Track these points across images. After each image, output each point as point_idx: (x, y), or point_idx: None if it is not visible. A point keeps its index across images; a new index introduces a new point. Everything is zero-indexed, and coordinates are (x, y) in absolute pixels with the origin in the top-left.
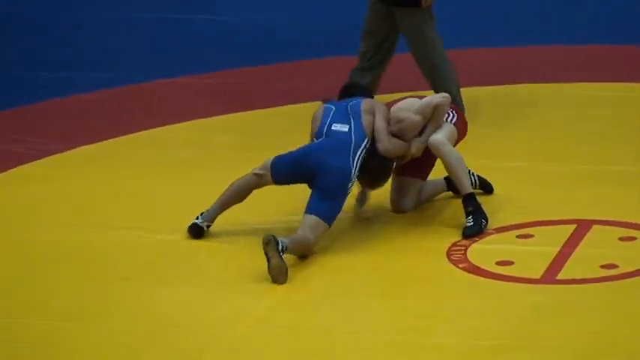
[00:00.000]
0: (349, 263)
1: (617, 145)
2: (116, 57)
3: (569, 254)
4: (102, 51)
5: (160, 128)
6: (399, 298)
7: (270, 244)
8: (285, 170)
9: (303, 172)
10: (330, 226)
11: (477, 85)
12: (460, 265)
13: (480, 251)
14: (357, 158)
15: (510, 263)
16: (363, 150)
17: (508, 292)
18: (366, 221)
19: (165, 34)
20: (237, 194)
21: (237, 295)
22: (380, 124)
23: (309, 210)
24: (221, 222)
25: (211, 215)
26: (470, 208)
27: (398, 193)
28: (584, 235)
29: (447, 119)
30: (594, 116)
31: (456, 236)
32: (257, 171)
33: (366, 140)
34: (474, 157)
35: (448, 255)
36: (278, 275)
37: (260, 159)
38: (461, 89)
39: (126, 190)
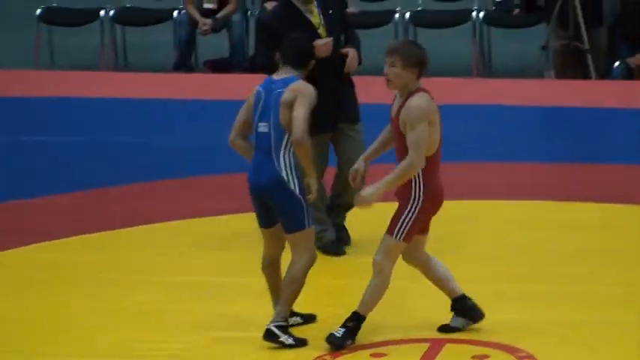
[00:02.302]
0: None
1: (483, 264)
2: None
3: None
4: None
5: (14, 250)
6: None
7: (267, 338)
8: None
9: (259, 202)
10: (312, 226)
11: None
12: None
13: None
14: (281, 156)
15: None
16: (286, 144)
17: None
18: None
19: (18, 156)
20: (271, 273)
21: None
22: (299, 112)
23: (285, 231)
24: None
25: (280, 313)
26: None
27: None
28: (437, 354)
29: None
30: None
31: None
32: None
33: (285, 136)
34: None
35: None
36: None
37: (119, 279)
38: None
39: None
